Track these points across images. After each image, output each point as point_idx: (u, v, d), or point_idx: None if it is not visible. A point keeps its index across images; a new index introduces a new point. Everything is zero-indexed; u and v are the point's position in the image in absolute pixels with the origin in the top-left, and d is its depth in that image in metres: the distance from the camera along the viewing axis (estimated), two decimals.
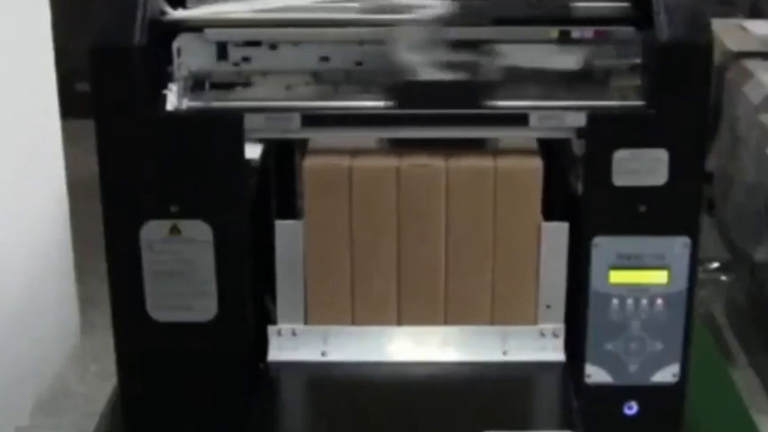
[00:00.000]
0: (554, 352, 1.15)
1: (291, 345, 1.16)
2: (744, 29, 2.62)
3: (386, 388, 1.14)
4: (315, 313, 1.16)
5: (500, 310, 1.15)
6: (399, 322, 1.16)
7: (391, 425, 1.11)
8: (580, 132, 1.08)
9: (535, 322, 1.15)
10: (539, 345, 1.15)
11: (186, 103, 1.10)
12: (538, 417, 1.17)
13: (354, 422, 1.11)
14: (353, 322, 1.16)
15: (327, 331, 1.16)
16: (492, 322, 1.15)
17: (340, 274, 1.14)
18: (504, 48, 1.12)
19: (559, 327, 1.15)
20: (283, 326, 1.16)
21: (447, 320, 1.16)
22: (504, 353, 1.16)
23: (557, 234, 1.13)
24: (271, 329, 1.16)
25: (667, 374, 1.12)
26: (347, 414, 1.12)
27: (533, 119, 1.08)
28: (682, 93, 1.05)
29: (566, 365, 1.15)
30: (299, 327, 1.16)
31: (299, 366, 1.16)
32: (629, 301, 1.11)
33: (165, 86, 1.08)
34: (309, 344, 1.16)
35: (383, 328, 1.16)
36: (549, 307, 1.15)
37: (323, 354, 1.16)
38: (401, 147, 1.13)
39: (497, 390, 1.15)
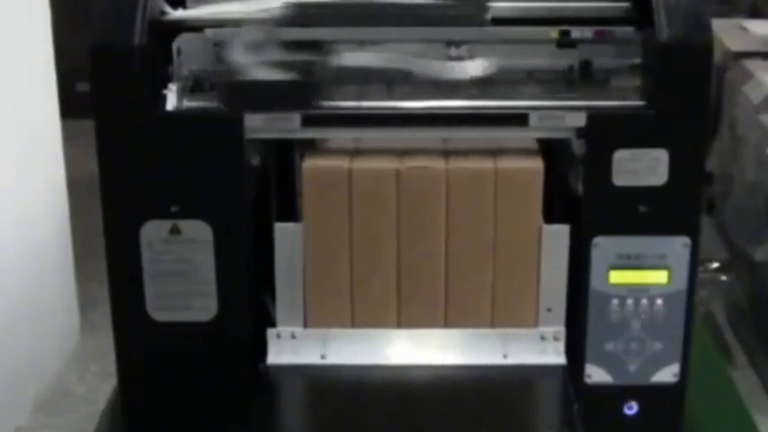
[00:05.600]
0: (555, 355, 1.15)
1: (291, 348, 1.16)
2: (744, 29, 2.62)
3: (386, 391, 1.14)
4: (314, 316, 1.16)
5: (500, 312, 1.15)
6: (399, 325, 1.16)
7: (391, 428, 1.11)
8: (580, 132, 1.08)
9: (536, 325, 1.15)
10: (539, 348, 1.15)
11: (186, 103, 1.10)
12: (538, 420, 1.17)
13: (354, 425, 1.11)
14: (353, 325, 1.16)
15: (327, 334, 1.16)
16: (492, 325, 1.15)
17: (339, 277, 1.14)
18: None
19: (560, 330, 1.15)
20: (282, 329, 1.16)
21: (447, 323, 1.15)
22: (505, 356, 1.15)
23: (557, 236, 1.13)
24: (270, 332, 1.16)
25: (667, 374, 1.12)
26: (347, 417, 1.12)
27: (533, 119, 1.08)
28: (682, 93, 1.05)
29: (566, 368, 1.15)
30: (299, 330, 1.16)
31: (299, 369, 1.16)
32: (629, 302, 1.11)
33: (165, 86, 1.08)
34: (309, 347, 1.16)
35: (383, 331, 1.16)
36: (549, 310, 1.14)
37: (322, 357, 1.16)
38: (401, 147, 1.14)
39: (498, 393, 1.15)
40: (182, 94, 1.10)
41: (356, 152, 1.13)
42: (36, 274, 2.15)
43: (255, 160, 1.11)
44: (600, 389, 1.12)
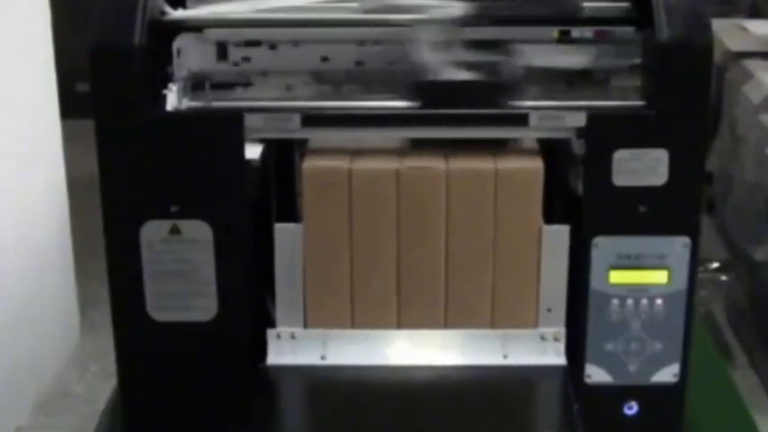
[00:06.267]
0: (555, 355, 1.15)
1: (291, 348, 1.16)
2: (744, 29, 2.62)
3: (386, 391, 1.14)
4: (314, 316, 1.16)
5: (500, 313, 1.15)
6: (399, 325, 1.16)
7: (391, 428, 1.11)
8: (580, 132, 1.08)
9: (536, 326, 1.15)
10: (539, 348, 1.15)
11: (186, 103, 1.10)
12: (538, 420, 1.17)
13: (354, 426, 1.11)
14: (353, 325, 1.16)
15: (327, 335, 1.16)
16: (492, 326, 1.15)
17: (339, 278, 1.14)
18: (518, 47, 1.12)
19: (560, 330, 1.15)
20: (282, 329, 1.16)
21: (447, 324, 1.15)
22: (505, 356, 1.15)
23: (557, 237, 1.13)
24: (270, 333, 1.16)
25: (667, 374, 1.12)
26: (347, 418, 1.12)
27: (533, 119, 1.08)
28: (682, 93, 1.05)
29: (566, 369, 1.15)
30: (299, 330, 1.16)
31: (299, 370, 1.16)
32: (629, 302, 1.11)
33: (165, 86, 1.08)
34: (309, 347, 1.16)
35: (383, 332, 1.16)
36: (549, 311, 1.15)
37: (322, 357, 1.16)
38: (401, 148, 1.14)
39: (498, 394, 1.15)
40: (182, 94, 1.10)
41: (356, 152, 1.13)
42: (36, 274, 2.15)
43: (255, 161, 1.11)
44: (600, 389, 1.12)
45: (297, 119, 1.08)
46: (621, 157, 1.07)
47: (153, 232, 1.08)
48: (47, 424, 2.12)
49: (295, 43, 1.13)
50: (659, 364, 1.12)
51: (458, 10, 1.12)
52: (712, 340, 1.57)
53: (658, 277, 1.10)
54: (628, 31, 1.11)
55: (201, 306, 1.10)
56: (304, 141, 1.15)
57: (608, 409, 1.13)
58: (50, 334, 2.25)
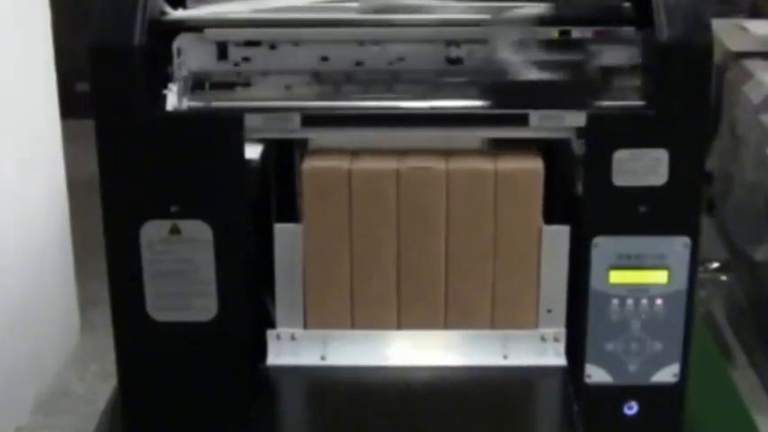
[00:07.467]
0: (555, 356, 1.15)
1: (290, 349, 1.16)
2: (744, 29, 2.62)
3: (386, 392, 1.14)
4: (314, 317, 1.15)
5: (500, 313, 1.15)
6: (399, 326, 1.16)
7: (391, 429, 1.11)
8: (580, 132, 1.08)
9: (536, 326, 1.15)
10: (539, 349, 1.15)
11: (186, 103, 1.10)
12: (538, 421, 1.17)
13: (354, 426, 1.11)
14: (353, 326, 1.16)
15: (327, 335, 1.16)
16: (492, 326, 1.15)
17: (339, 278, 1.14)
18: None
19: (560, 331, 1.15)
20: (282, 330, 1.16)
21: (447, 324, 1.15)
22: (505, 357, 1.15)
23: (558, 237, 1.13)
24: (270, 333, 1.16)
25: (667, 374, 1.12)
26: (347, 418, 1.12)
27: (533, 119, 1.08)
28: (682, 93, 1.05)
29: (566, 370, 1.15)
30: (299, 331, 1.16)
31: (299, 371, 1.16)
32: (629, 302, 1.11)
33: (165, 86, 1.08)
34: (309, 348, 1.16)
35: (383, 332, 1.16)
36: (549, 311, 1.14)
37: (322, 358, 1.16)
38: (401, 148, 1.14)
39: (498, 394, 1.14)
40: (182, 94, 1.10)
41: (356, 152, 1.13)
42: (36, 274, 2.15)
43: (255, 161, 1.11)
44: (600, 389, 1.12)
45: (297, 119, 1.08)
46: (621, 157, 1.07)
47: (153, 232, 1.08)
48: (47, 424, 2.12)
49: (295, 43, 1.13)
50: (659, 364, 1.12)
51: (458, 10, 1.12)
52: (712, 340, 1.57)
53: (658, 277, 1.10)
54: (628, 31, 1.11)
55: (201, 306, 1.10)
56: (304, 141, 1.15)
57: (608, 409, 1.13)
58: (50, 334, 2.25)
